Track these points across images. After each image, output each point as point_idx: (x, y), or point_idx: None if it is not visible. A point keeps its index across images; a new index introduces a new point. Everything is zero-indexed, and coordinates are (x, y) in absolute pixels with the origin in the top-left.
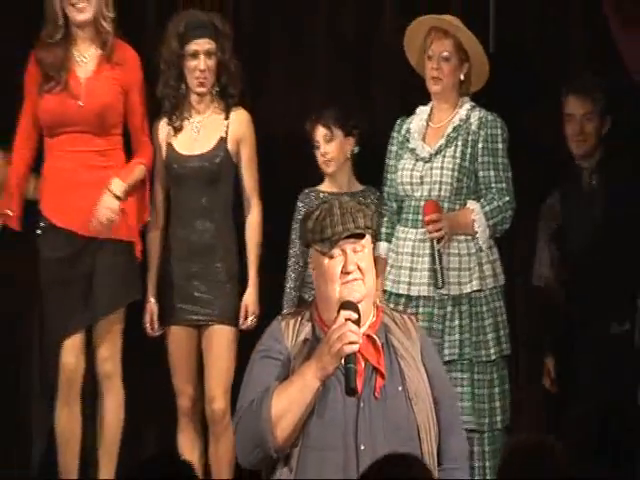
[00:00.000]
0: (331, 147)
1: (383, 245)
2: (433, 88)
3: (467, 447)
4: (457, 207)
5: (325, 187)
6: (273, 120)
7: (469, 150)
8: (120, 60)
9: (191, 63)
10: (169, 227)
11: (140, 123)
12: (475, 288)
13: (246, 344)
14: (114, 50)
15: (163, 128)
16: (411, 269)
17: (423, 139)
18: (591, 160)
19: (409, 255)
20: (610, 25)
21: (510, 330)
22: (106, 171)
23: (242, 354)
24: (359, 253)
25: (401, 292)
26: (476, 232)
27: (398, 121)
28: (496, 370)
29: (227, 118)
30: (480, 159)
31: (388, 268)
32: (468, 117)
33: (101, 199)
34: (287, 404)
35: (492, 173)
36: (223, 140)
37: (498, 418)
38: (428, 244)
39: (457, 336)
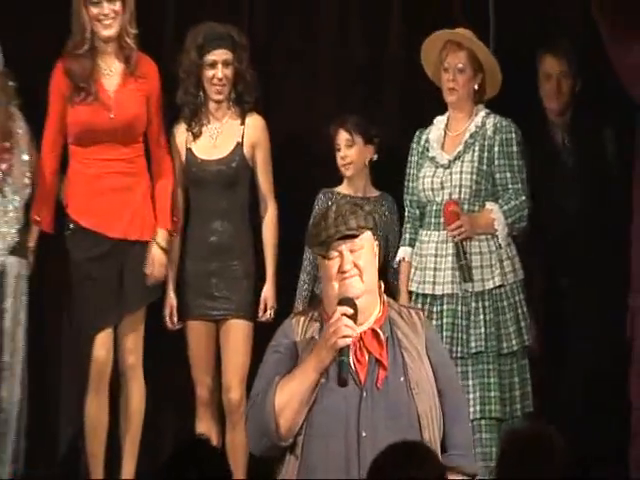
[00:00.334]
0: (350, 152)
1: (407, 250)
2: (449, 98)
3: (471, 436)
4: (476, 208)
5: (342, 189)
6: (287, 127)
7: (486, 154)
8: (142, 73)
9: (209, 72)
10: (188, 227)
11: (157, 134)
12: (497, 284)
13: (261, 338)
14: (137, 64)
15: (182, 133)
16: (435, 269)
17: (442, 147)
18: (564, 117)
19: (432, 256)
20: (599, 28)
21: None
22: (131, 177)
23: (258, 347)
24: (356, 252)
25: (426, 292)
26: (496, 230)
27: (417, 132)
28: (516, 360)
29: (243, 124)
30: (497, 162)
31: (413, 270)
32: (484, 124)
33: (151, 254)
34: (289, 396)
35: (508, 175)
36: (239, 145)
37: (517, 406)
38: (451, 244)
39: (482, 329)
